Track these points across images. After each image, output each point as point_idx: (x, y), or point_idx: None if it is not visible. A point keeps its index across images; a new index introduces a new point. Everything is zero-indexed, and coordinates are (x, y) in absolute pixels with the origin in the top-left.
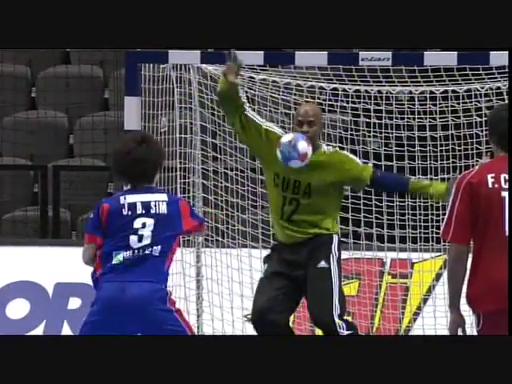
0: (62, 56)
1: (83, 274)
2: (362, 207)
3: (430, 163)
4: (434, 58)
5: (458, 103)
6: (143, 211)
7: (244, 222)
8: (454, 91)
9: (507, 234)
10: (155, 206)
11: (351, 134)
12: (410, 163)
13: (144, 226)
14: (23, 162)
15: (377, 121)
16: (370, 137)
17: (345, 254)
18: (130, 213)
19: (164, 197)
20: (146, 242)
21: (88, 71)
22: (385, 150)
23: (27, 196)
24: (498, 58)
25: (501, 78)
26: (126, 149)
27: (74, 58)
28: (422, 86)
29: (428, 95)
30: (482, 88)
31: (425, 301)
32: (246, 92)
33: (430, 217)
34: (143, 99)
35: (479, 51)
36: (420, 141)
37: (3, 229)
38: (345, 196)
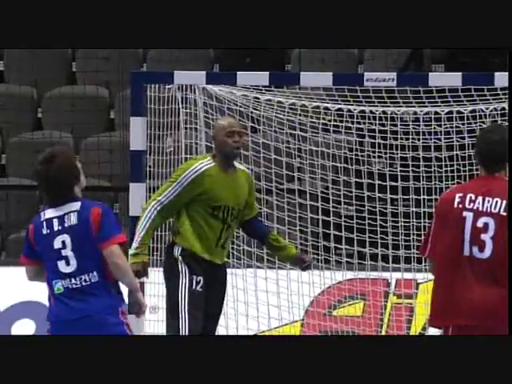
0: (68, 77)
1: (12, 294)
2: (366, 227)
3: (435, 184)
4: (438, 78)
5: (463, 124)
6: (60, 227)
7: (249, 242)
8: (458, 112)
9: (467, 254)
10: (67, 218)
11: (356, 155)
12: (415, 184)
13: (64, 245)
14: (29, 182)
15: (382, 141)
16: (374, 157)
17: (350, 274)
18: (48, 231)
19: (77, 206)
20: (73, 264)
21: (93, 92)
22: (390, 171)
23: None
24: (503, 78)
25: (505, 98)
26: (37, 170)
27: (80, 79)
28: (426, 106)
29: (433, 116)
30: (487, 109)
31: None
32: (252, 112)
33: None
34: (149, 119)
35: (484, 72)
36: (425, 161)
37: None
38: (349, 216)
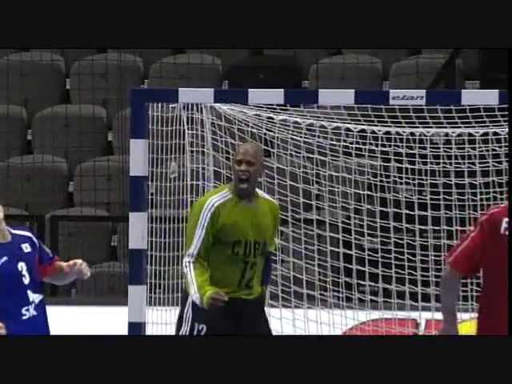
0: (61, 95)
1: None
2: (393, 262)
3: (469, 213)
4: (472, 96)
5: (500, 147)
6: None
7: None
8: (495, 133)
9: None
10: None
11: (381, 181)
12: (446, 213)
13: None
14: (18, 211)
15: (409, 166)
16: (401, 184)
17: (374, 314)
18: None
19: None
20: None
21: (89, 111)
22: (418, 199)
23: None
24: None
25: None
26: None
27: (74, 97)
28: (459, 127)
29: (466, 138)
30: None
31: None
32: (265, 134)
33: None
34: (151, 142)
35: None
36: (458, 188)
37: None
38: (374, 249)
